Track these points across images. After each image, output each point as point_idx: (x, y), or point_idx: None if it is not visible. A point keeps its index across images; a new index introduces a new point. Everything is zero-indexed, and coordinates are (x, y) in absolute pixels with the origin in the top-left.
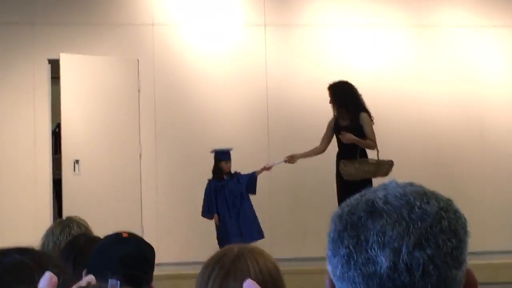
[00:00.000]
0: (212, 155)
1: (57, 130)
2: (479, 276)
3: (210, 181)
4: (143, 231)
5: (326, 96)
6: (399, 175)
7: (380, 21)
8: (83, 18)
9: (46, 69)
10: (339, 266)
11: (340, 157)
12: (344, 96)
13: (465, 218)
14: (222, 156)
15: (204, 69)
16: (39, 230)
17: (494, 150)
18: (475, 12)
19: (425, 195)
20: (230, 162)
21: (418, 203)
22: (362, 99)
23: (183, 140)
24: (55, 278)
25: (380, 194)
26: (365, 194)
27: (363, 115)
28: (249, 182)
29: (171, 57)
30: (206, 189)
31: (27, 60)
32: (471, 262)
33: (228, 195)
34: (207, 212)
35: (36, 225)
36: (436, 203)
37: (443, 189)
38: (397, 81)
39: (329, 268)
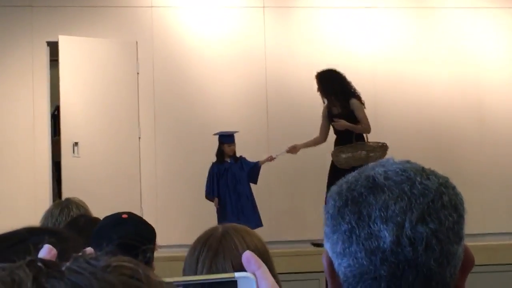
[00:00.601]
0: (214, 137)
1: (56, 112)
2: (478, 258)
3: (213, 164)
4: (142, 213)
5: None
6: (397, 157)
7: (380, 3)
8: (82, 0)
9: (45, 51)
10: (340, 242)
11: (337, 144)
12: (332, 84)
13: (461, 195)
14: (224, 138)
15: (203, 51)
16: (39, 212)
17: (493, 132)
18: None
19: (424, 171)
20: (233, 145)
21: (418, 179)
22: (351, 85)
23: (182, 122)
24: (54, 250)
25: (380, 170)
26: (363, 171)
27: (353, 100)
28: (252, 170)
29: (170, 39)
30: (209, 171)
31: (26, 42)
32: (470, 243)
33: (231, 178)
34: (209, 194)
35: (36, 207)
36: (436, 179)
37: (441, 172)
38: (396, 63)
39: (327, 245)
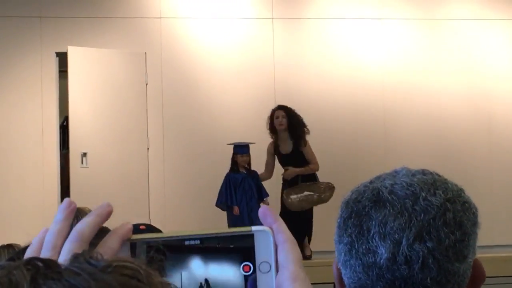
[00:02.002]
0: (223, 148)
1: (64, 123)
2: (486, 270)
3: (228, 174)
4: (151, 223)
5: (333, 89)
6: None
7: (388, 14)
8: (91, 11)
9: (54, 62)
10: (342, 254)
11: (285, 183)
12: (298, 120)
13: (475, 209)
14: (237, 149)
15: (211, 62)
16: (47, 222)
17: (502, 143)
18: (483, 5)
19: (433, 185)
20: (246, 156)
21: (423, 194)
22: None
23: (191, 133)
24: (74, 204)
25: (387, 183)
26: (374, 182)
27: (304, 141)
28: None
29: (178, 50)
30: (225, 181)
31: (35, 53)
32: (479, 255)
33: (248, 189)
34: (222, 202)
35: (44, 217)
36: (443, 194)
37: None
38: (405, 74)
39: (336, 253)
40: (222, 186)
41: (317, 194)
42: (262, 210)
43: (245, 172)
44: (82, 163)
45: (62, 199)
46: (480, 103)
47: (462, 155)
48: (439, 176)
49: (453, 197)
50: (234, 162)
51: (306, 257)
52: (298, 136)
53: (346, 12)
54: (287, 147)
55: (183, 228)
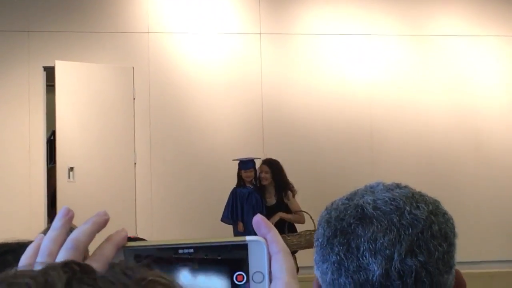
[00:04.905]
0: (211, 163)
1: (52, 137)
2: (474, 285)
3: (235, 189)
4: (138, 236)
5: (321, 104)
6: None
7: (376, 30)
8: (78, 26)
9: (42, 76)
10: (329, 273)
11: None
12: (282, 173)
13: (452, 219)
14: (241, 165)
15: (199, 77)
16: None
17: (489, 159)
18: (470, 22)
19: (413, 198)
20: (249, 171)
21: (408, 208)
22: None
23: (178, 148)
24: (72, 212)
25: (369, 199)
26: (352, 198)
27: (289, 193)
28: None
29: (166, 65)
30: (230, 196)
31: (23, 67)
32: (466, 271)
33: (255, 203)
34: (226, 216)
35: (31, 231)
36: (425, 207)
37: (437, 199)
38: (393, 90)
39: (317, 273)
40: (227, 201)
41: (305, 238)
42: (256, 219)
43: (251, 187)
44: (69, 177)
45: (49, 214)
46: (467, 119)
47: (449, 171)
48: (413, 189)
49: (434, 210)
50: (239, 177)
51: None
52: (282, 189)
53: (333, 28)
54: (271, 199)
55: None
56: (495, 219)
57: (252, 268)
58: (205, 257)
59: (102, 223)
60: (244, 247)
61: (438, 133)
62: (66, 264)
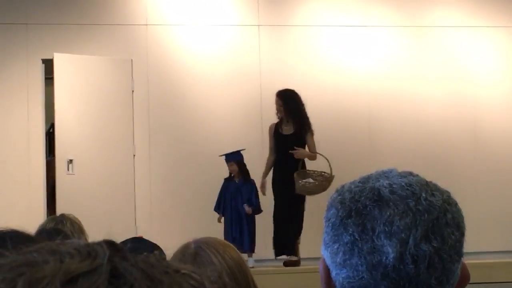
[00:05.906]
0: (209, 155)
1: (51, 130)
2: (472, 276)
3: (224, 180)
4: (137, 231)
5: (319, 95)
6: None
7: (374, 21)
8: (77, 18)
9: (40, 69)
10: (340, 253)
11: (279, 164)
12: (296, 104)
13: (462, 211)
14: (225, 158)
15: (198, 69)
16: (33, 230)
17: (488, 149)
18: (468, 13)
19: (428, 186)
20: (231, 165)
21: (424, 195)
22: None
23: (177, 140)
24: None
25: (385, 182)
26: (367, 181)
27: (308, 126)
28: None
29: (165, 57)
30: (221, 187)
31: (21, 60)
32: (465, 261)
33: (237, 198)
34: (216, 208)
35: (30, 224)
36: (440, 195)
37: None
38: (391, 81)
39: (325, 253)
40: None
41: (320, 179)
42: None
43: (238, 181)
44: (68, 169)
45: (48, 206)
46: (465, 110)
47: (448, 162)
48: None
49: (447, 198)
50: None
51: (293, 262)
52: (298, 120)
53: (332, 19)
54: (289, 128)
55: (168, 235)
56: (493, 209)
57: None
58: None
59: None
60: None
61: (436, 124)
62: (110, 242)
